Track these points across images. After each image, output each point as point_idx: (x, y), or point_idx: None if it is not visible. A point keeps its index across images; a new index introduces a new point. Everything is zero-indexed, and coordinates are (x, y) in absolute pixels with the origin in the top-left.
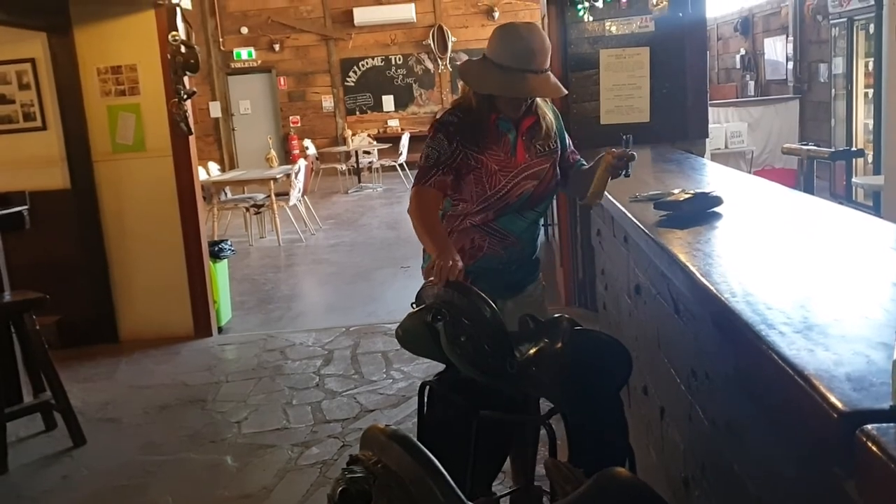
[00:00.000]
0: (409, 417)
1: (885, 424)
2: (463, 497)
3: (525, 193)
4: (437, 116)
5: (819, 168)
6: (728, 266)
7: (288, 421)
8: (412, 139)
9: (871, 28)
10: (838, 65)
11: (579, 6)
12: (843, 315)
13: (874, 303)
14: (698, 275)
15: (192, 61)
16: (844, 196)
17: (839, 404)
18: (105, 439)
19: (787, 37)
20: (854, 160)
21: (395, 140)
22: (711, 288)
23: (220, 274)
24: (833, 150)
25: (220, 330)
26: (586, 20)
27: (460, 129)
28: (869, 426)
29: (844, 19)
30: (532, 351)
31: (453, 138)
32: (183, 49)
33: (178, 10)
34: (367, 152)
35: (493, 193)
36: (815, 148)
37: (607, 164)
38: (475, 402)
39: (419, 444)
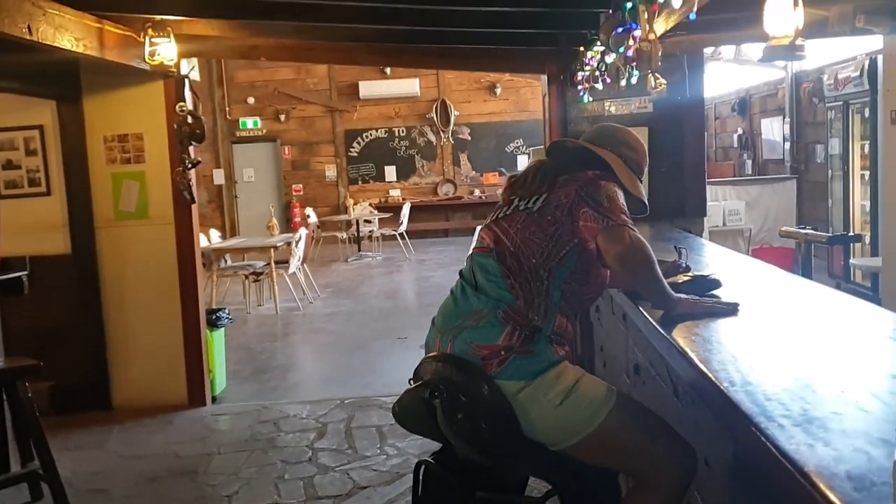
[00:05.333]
0: (402, 496)
1: None
2: None
3: None
4: (605, 175)
5: (817, 248)
6: (727, 353)
7: (279, 496)
8: (413, 209)
9: (867, 112)
10: (835, 146)
11: (581, 91)
12: (842, 408)
13: (873, 396)
14: (697, 361)
15: (199, 131)
16: (842, 277)
17: None
18: None
19: (784, 118)
20: None
21: (396, 209)
22: (711, 376)
23: (216, 342)
24: (830, 234)
25: (214, 399)
26: (586, 101)
27: None
28: None
29: (840, 102)
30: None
31: None
32: (190, 119)
33: (186, 81)
34: (368, 221)
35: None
36: (812, 232)
37: None
38: (472, 483)
39: None
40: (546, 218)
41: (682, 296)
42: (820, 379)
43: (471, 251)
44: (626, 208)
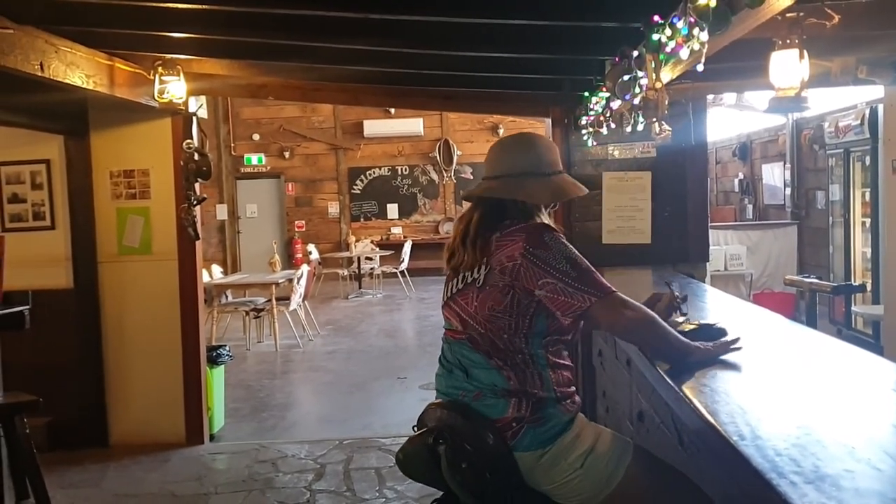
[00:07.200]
0: None
1: None
2: None
3: None
4: (541, 225)
5: (820, 295)
6: (735, 404)
7: None
8: (414, 247)
9: (867, 160)
10: (835, 192)
11: (585, 135)
12: (854, 465)
13: (885, 453)
14: (706, 413)
15: (205, 169)
16: (844, 324)
17: None
18: None
19: (785, 163)
20: None
21: (397, 247)
22: (720, 429)
23: (215, 380)
24: (834, 284)
25: (212, 437)
26: (590, 145)
27: None
28: None
29: (841, 150)
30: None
31: None
32: (196, 156)
33: (194, 118)
34: (370, 258)
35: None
36: (816, 281)
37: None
38: None
39: None
40: (497, 286)
41: (699, 344)
42: (830, 433)
43: (443, 334)
44: (586, 260)
